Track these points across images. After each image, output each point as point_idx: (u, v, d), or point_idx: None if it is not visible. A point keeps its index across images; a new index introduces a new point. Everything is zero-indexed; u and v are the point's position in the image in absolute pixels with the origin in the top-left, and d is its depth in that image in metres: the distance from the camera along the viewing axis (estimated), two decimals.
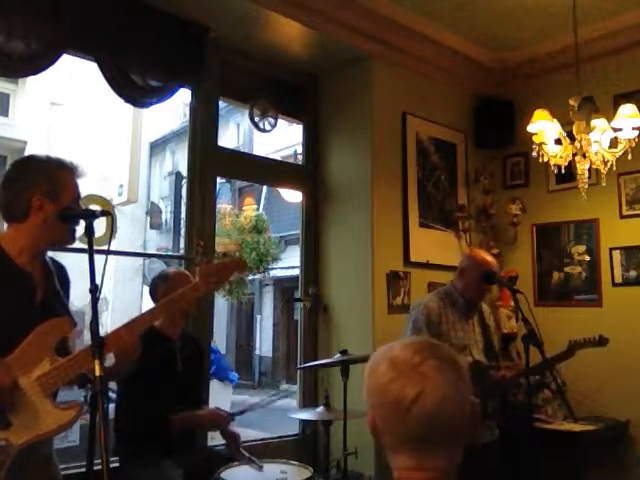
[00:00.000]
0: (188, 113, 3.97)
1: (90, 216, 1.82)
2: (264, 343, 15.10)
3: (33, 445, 1.73)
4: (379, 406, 1.13)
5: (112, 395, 2.74)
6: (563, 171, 3.22)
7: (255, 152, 9.82)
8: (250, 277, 12.85)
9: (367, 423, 1.17)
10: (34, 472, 1.80)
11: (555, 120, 3.17)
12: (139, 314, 2.05)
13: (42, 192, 1.86)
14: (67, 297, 2.06)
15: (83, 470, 1.69)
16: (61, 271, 2.06)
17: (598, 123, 3.10)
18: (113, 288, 11.37)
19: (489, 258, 3.19)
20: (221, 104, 4.02)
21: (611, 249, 4.12)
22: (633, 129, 3.09)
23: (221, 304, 13.21)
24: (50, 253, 2.05)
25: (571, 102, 3.13)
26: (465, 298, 3.16)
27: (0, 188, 1.91)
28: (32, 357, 1.76)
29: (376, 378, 1.14)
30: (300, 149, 4.61)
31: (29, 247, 1.89)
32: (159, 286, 2.88)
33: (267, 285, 15.06)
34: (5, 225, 1.94)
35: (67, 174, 1.94)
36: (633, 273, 4.02)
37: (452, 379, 1.10)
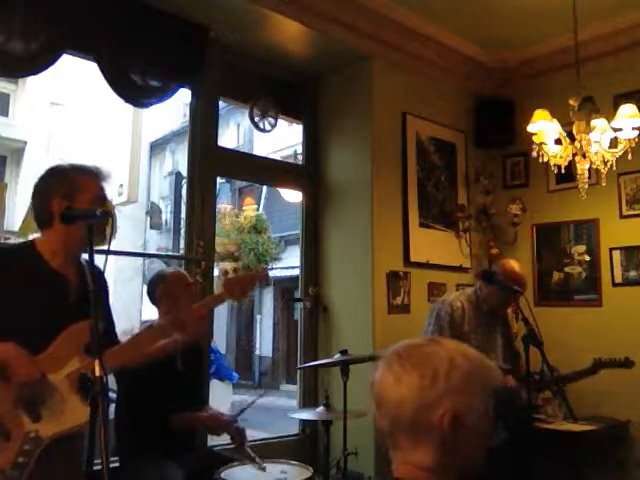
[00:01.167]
0: (188, 113, 3.97)
1: (90, 216, 1.83)
2: (264, 343, 15.10)
3: (62, 439, 1.82)
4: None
5: (112, 395, 2.74)
6: (563, 171, 3.22)
7: (255, 152, 9.83)
8: None
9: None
10: (62, 465, 1.88)
11: (555, 120, 3.17)
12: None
13: (60, 195, 1.94)
14: (106, 300, 2.16)
15: (83, 470, 1.69)
16: (98, 275, 2.08)
17: (598, 123, 3.10)
18: (113, 288, 11.34)
19: (517, 270, 3.16)
20: (221, 104, 4.02)
21: (611, 249, 4.12)
22: (633, 129, 3.08)
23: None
24: None
25: (571, 102, 3.13)
26: (489, 305, 3.16)
27: (31, 198, 2.02)
28: (63, 355, 1.87)
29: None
30: (300, 149, 4.61)
31: (61, 250, 1.98)
32: (157, 286, 2.88)
33: (267, 285, 15.05)
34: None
35: (84, 176, 2.00)
36: (633, 273, 4.02)
37: (402, 376, 1.09)
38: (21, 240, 2.11)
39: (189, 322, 2.12)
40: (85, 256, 2.08)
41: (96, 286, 2.01)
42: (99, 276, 2.07)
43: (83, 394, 1.87)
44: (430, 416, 1.06)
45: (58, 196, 1.94)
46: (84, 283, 2.00)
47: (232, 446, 2.90)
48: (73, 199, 1.94)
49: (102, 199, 2.02)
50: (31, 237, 2.12)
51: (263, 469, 2.58)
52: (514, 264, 3.24)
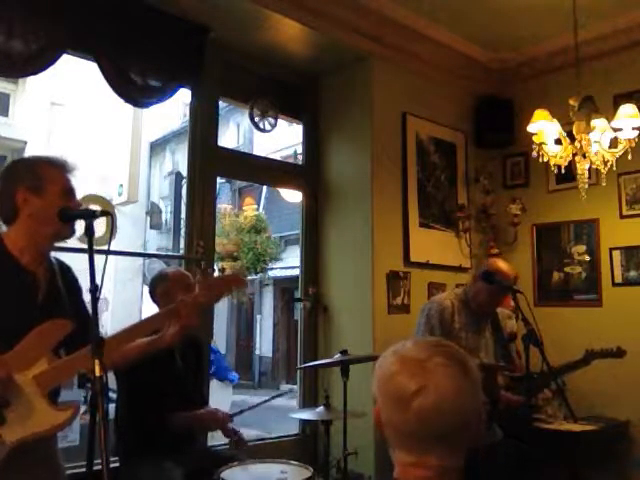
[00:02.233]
0: (188, 113, 3.97)
1: (90, 216, 1.82)
2: (264, 343, 15.09)
3: (30, 443, 1.74)
4: (383, 398, 1.14)
5: (112, 395, 2.74)
6: (563, 171, 3.22)
7: (255, 152, 9.82)
8: (250, 277, 12.86)
9: (373, 414, 1.18)
10: (33, 471, 1.81)
11: (555, 120, 3.17)
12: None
13: (25, 187, 1.88)
14: (79, 296, 2.07)
15: (83, 470, 1.69)
16: (68, 272, 2.07)
17: (598, 123, 3.10)
18: (113, 288, 11.36)
19: (505, 268, 3.15)
20: (221, 104, 4.02)
21: (611, 249, 4.12)
22: (633, 129, 3.09)
23: (221, 304, 13.21)
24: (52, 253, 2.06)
25: (571, 102, 3.13)
26: (478, 305, 3.16)
27: None
28: (30, 356, 1.77)
29: (383, 370, 1.15)
30: (300, 149, 4.60)
31: (29, 245, 1.91)
32: (158, 286, 2.89)
33: (267, 285, 15.05)
34: (4, 227, 1.97)
35: (51, 168, 1.95)
36: (633, 273, 4.03)
37: (458, 379, 1.10)
38: None
39: (184, 311, 2.03)
40: (54, 254, 2.04)
41: (67, 283, 2.00)
42: (68, 274, 2.05)
43: (51, 398, 1.82)
44: (475, 419, 1.11)
45: (22, 188, 1.87)
46: (53, 281, 1.96)
47: (228, 447, 2.91)
48: (41, 191, 1.88)
49: (70, 191, 1.95)
50: None
51: (261, 462, 2.58)
52: (500, 262, 3.24)
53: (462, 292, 3.26)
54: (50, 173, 1.93)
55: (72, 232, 1.97)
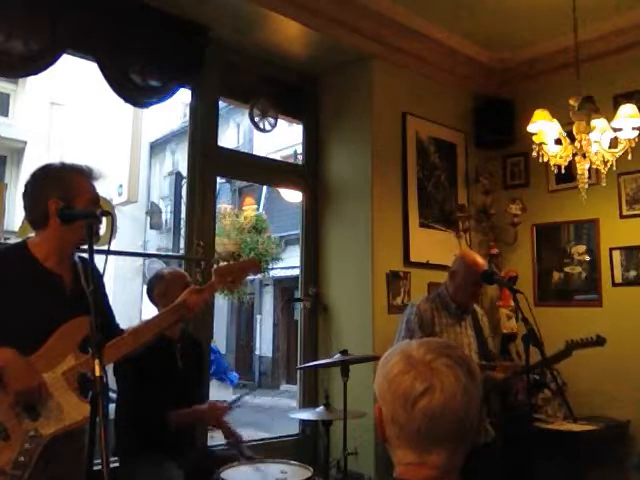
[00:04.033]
0: (188, 113, 3.97)
1: (90, 216, 1.83)
2: (264, 343, 15.09)
3: (64, 438, 1.84)
4: (387, 397, 1.14)
5: (112, 395, 2.74)
6: (563, 171, 3.22)
7: (255, 152, 9.82)
8: (250, 277, 12.85)
9: (374, 413, 1.18)
10: (66, 463, 1.89)
11: (555, 120, 3.17)
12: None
13: (57, 196, 1.94)
14: (104, 295, 2.18)
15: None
16: (94, 272, 2.08)
17: (598, 123, 3.10)
18: (113, 288, 11.36)
19: (479, 260, 3.16)
20: (221, 104, 4.02)
21: (611, 249, 4.12)
22: (633, 129, 3.08)
23: (221, 304, 13.21)
24: None
25: (571, 102, 3.13)
26: (456, 301, 3.15)
27: (22, 198, 2.02)
28: (57, 353, 1.88)
29: (388, 369, 1.15)
30: (300, 149, 4.60)
31: (55, 251, 1.99)
32: (156, 286, 2.89)
33: (267, 285, 15.05)
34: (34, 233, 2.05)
35: (80, 178, 2.01)
36: (633, 273, 4.02)
37: (463, 380, 1.11)
38: (11, 242, 2.10)
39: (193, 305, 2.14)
40: (81, 254, 2.10)
41: (94, 284, 2.02)
42: (95, 273, 2.09)
43: (81, 391, 1.89)
44: (476, 418, 1.12)
45: (54, 197, 1.93)
46: (78, 281, 2.01)
47: (227, 447, 2.91)
48: (71, 201, 1.94)
49: (97, 200, 2.03)
50: (21, 238, 2.12)
51: (261, 462, 2.58)
52: (473, 254, 3.23)
53: (439, 292, 3.24)
54: (81, 184, 2.00)
55: (97, 238, 1.98)
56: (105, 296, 2.20)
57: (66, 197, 1.94)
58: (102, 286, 2.16)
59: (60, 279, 1.99)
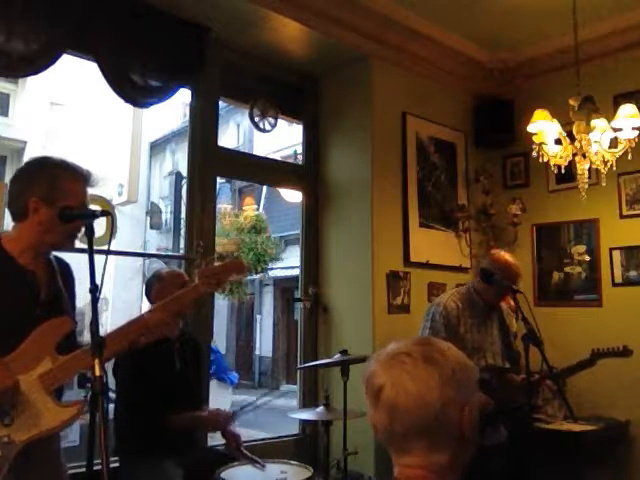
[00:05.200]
0: (188, 113, 3.97)
1: (90, 216, 1.82)
2: (264, 343, 15.09)
3: (39, 442, 1.76)
4: (366, 398, 1.16)
5: (112, 395, 2.74)
6: (563, 171, 3.22)
7: (255, 152, 9.82)
8: (250, 277, 12.85)
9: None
10: (41, 469, 1.83)
11: (555, 120, 3.17)
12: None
13: (39, 195, 1.86)
14: (72, 294, 2.08)
15: (83, 470, 1.69)
16: (65, 269, 2.07)
17: (598, 123, 3.10)
18: (113, 288, 11.37)
19: (512, 260, 3.13)
20: (221, 104, 4.02)
21: (611, 249, 4.12)
22: (633, 129, 3.08)
23: (221, 304, 13.21)
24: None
25: (571, 102, 3.13)
26: (484, 300, 3.14)
27: (9, 184, 1.94)
28: (33, 356, 1.79)
29: (364, 371, 1.17)
30: (300, 149, 4.60)
31: (30, 248, 1.91)
32: (153, 286, 2.89)
33: (267, 285, 15.05)
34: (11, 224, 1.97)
35: (72, 181, 1.92)
36: (633, 273, 4.02)
37: (422, 376, 1.09)
38: None
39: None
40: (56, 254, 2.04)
41: (64, 280, 2.00)
42: (65, 270, 2.05)
43: (56, 396, 1.83)
44: (452, 413, 1.09)
45: (37, 195, 1.86)
46: (54, 280, 1.96)
47: (228, 450, 2.91)
48: (53, 203, 1.86)
49: (83, 206, 1.93)
50: None
51: (263, 467, 2.59)
52: (505, 255, 3.19)
53: (466, 291, 3.23)
54: (71, 188, 1.91)
55: (72, 243, 1.97)
56: (74, 300, 2.09)
57: (49, 198, 1.86)
58: (73, 288, 2.09)
59: (34, 276, 1.92)
